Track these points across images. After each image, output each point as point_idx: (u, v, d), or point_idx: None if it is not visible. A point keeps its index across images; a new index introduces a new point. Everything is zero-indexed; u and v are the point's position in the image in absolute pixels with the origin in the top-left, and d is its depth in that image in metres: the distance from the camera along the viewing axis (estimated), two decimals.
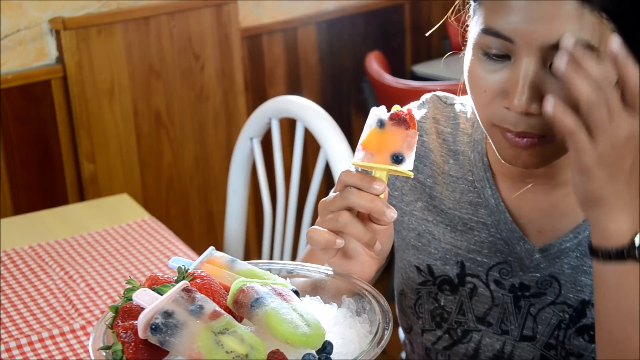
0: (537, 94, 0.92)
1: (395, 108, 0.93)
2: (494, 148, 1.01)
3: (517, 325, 1.12)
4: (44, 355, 1.37)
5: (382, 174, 0.92)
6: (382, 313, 0.86)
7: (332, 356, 0.80)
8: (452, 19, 1.10)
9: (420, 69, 3.24)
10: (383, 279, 1.36)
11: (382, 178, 0.92)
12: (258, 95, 2.97)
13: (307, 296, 0.93)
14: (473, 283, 1.13)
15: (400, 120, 0.92)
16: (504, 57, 0.95)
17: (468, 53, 1.00)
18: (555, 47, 0.90)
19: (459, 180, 1.14)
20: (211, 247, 0.91)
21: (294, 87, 3.07)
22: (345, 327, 0.86)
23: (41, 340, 1.40)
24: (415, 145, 0.92)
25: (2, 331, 1.44)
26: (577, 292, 1.08)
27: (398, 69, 3.23)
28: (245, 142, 2.00)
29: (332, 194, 0.96)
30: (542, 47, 0.91)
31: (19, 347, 1.39)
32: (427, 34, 1.24)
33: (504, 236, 1.10)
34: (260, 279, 0.86)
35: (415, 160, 1.17)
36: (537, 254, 1.09)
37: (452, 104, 1.19)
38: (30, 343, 1.40)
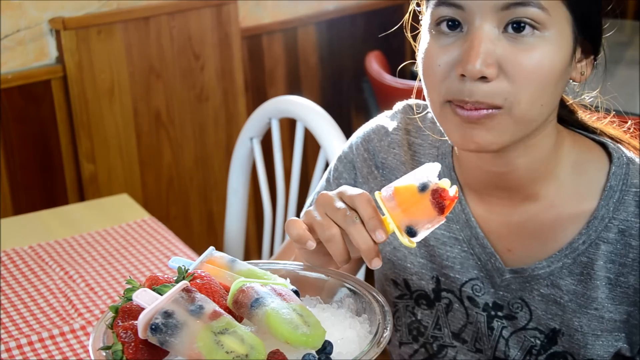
0: (492, 58, 0.92)
1: (445, 184, 0.88)
2: (446, 133, 1.00)
3: (489, 347, 1.11)
4: (44, 355, 1.37)
5: (390, 228, 0.89)
6: (382, 313, 0.86)
7: (332, 356, 0.80)
8: (409, 26, 1.11)
9: None
10: None
11: (388, 230, 0.89)
12: (258, 95, 2.97)
13: (307, 296, 0.93)
14: (448, 298, 1.13)
15: (437, 203, 0.87)
16: (455, 27, 0.95)
17: (423, 39, 1.00)
18: (506, 8, 0.91)
19: None
20: (211, 247, 0.91)
21: (294, 87, 3.07)
22: (345, 327, 0.86)
23: (41, 340, 1.40)
24: (434, 229, 0.89)
25: (2, 331, 1.44)
26: (547, 320, 1.07)
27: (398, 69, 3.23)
28: (245, 142, 2.00)
29: (337, 198, 0.93)
30: (492, 10, 0.92)
31: (19, 347, 1.39)
32: (380, 35, 1.22)
33: (476, 252, 1.10)
34: (260, 279, 0.86)
35: (388, 173, 1.16)
36: (507, 274, 1.08)
37: (425, 113, 1.16)
38: (30, 343, 1.40)
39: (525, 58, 0.92)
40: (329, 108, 2.03)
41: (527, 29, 0.92)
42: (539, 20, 0.92)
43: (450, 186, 0.88)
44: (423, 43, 0.99)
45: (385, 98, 2.80)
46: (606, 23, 1.02)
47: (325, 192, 0.95)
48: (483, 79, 0.92)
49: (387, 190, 0.90)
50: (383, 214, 0.90)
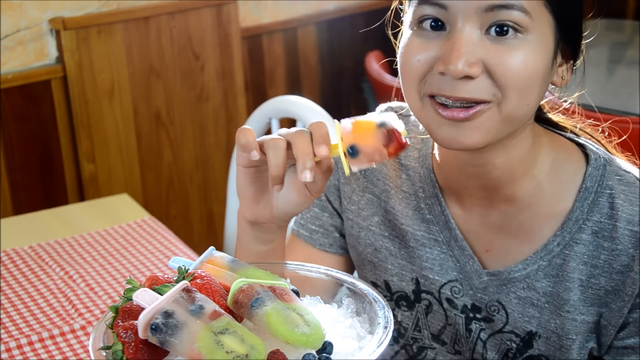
0: (474, 58, 0.92)
1: (402, 132, 0.91)
2: (428, 132, 0.99)
3: (468, 349, 1.12)
4: (44, 355, 1.37)
5: (335, 152, 0.92)
6: (382, 313, 0.86)
7: (332, 356, 0.80)
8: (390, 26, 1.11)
9: None
10: None
11: (333, 152, 0.92)
12: (258, 95, 2.97)
13: (307, 296, 0.93)
14: (428, 300, 1.13)
15: (388, 137, 0.90)
16: (438, 28, 0.95)
17: (404, 36, 0.99)
18: (489, 10, 0.91)
19: (411, 197, 1.13)
20: (211, 247, 0.91)
21: (294, 87, 3.07)
22: (345, 327, 0.86)
23: (41, 340, 1.40)
24: (370, 166, 0.92)
25: (2, 331, 1.44)
26: (524, 323, 1.07)
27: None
28: None
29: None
30: (475, 12, 0.91)
31: (19, 347, 1.39)
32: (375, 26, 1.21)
33: (454, 253, 1.10)
34: (261, 279, 0.86)
35: (370, 174, 1.16)
36: (485, 277, 1.08)
37: (407, 116, 1.16)
38: (30, 343, 1.40)
39: (509, 58, 0.92)
40: (329, 108, 2.03)
41: (510, 31, 0.92)
42: (521, 23, 0.92)
43: (409, 148, 0.92)
44: (404, 39, 0.99)
45: (385, 98, 2.79)
46: (601, 25, 1.02)
47: None
48: (467, 77, 0.92)
49: (347, 121, 0.93)
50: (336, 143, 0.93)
